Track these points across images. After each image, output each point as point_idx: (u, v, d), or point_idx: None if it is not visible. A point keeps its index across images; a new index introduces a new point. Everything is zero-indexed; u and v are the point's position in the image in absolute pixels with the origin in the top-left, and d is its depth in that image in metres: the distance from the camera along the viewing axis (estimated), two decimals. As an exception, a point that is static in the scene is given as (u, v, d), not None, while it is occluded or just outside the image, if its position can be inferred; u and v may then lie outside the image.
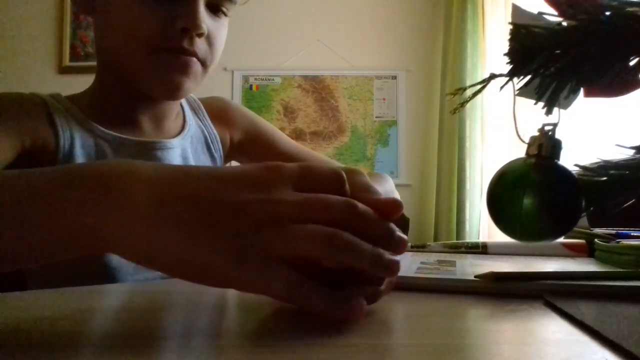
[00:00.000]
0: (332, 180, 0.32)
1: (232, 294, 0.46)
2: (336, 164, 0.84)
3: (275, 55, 2.96)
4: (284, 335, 0.29)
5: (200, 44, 0.64)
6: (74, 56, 2.96)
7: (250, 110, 0.86)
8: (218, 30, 0.67)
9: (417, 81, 2.95)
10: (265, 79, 2.98)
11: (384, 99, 2.95)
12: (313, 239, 0.28)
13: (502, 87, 0.44)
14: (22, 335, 0.29)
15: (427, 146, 2.88)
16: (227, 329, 0.31)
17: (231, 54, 2.96)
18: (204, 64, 0.66)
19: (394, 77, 2.96)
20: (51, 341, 0.27)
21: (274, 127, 0.86)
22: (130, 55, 0.63)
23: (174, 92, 0.65)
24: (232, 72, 2.95)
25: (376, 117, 2.94)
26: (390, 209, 0.32)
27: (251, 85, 2.97)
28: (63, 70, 2.93)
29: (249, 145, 0.83)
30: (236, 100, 2.89)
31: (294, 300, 0.29)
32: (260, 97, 2.95)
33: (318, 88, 2.97)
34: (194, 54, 0.64)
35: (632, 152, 0.47)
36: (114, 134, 0.66)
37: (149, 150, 0.68)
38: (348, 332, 0.29)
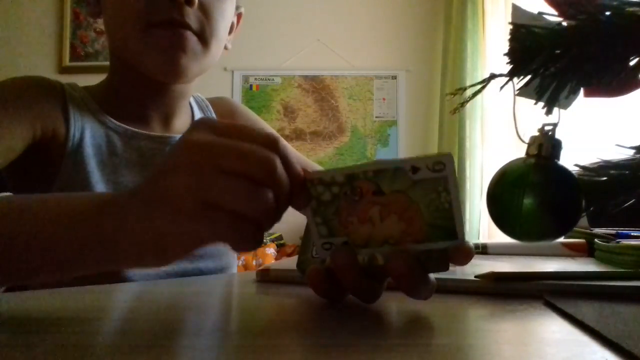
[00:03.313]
0: (262, 139, 0.31)
1: (233, 294, 0.46)
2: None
3: (275, 55, 2.96)
4: (284, 335, 0.29)
5: (192, 15, 0.61)
6: (74, 56, 2.96)
7: (255, 114, 0.86)
8: (215, 0, 0.64)
9: (417, 81, 2.95)
10: (265, 79, 2.98)
11: (384, 99, 2.95)
12: (229, 191, 0.29)
13: (502, 87, 0.44)
14: (24, 335, 0.29)
15: (427, 146, 2.88)
16: (227, 329, 0.31)
17: (231, 54, 2.95)
18: (202, 39, 0.63)
19: (394, 77, 2.96)
20: (53, 342, 0.27)
21: (277, 135, 0.86)
22: (126, 37, 0.63)
23: (172, 69, 0.63)
24: (232, 72, 2.95)
25: (376, 117, 2.94)
26: None
27: (251, 85, 2.97)
28: (63, 70, 2.93)
29: None
30: (236, 100, 2.89)
31: (229, 240, 0.30)
32: (260, 97, 2.95)
33: (318, 88, 2.97)
34: (187, 26, 0.61)
35: (632, 152, 0.47)
36: (126, 126, 0.66)
37: (160, 145, 0.68)
38: (347, 332, 0.29)
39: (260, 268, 0.48)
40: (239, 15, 0.76)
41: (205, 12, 0.63)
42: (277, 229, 2.72)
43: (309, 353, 0.25)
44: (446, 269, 0.33)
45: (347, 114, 2.95)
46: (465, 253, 0.33)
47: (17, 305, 0.37)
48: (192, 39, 0.62)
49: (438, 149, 2.73)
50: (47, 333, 0.29)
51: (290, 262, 0.55)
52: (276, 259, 2.50)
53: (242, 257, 2.45)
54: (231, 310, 0.38)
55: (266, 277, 0.47)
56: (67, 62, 2.95)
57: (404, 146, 2.90)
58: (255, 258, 2.46)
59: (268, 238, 2.62)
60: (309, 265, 0.35)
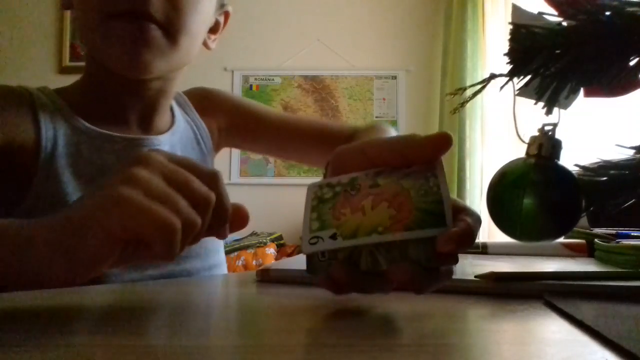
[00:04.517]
0: (204, 176, 0.36)
1: (233, 294, 0.46)
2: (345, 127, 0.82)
3: (275, 55, 2.96)
4: (284, 335, 0.29)
5: (158, 5, 0.57)
6: (74, 56, 2.96)
7: (232, 93, 0.84)
8: None
9: (417, 81, 2.95)
10: (265, 79, 2.98)
11: (384, 99, 2.95)
12: (156, 225, 0.32)
13: (502, 87, 0.44)
14: (12, 335, 0.28)
15: (427, 146, 2.87)
16: (227, 328, 0.31)
17: (231, 54, 2.96)
18: (168, 33, 0.59)
19: (394, 77, 2.96)
20: (41, 342, 0.27)
21: (259, 104, 0.84)
22: (88, 29, 0.60)
23: (133, 63, 0.58)
24: (232, 72, 2.95)
25: (376, 117, 2.94)
26: (441, 144, 0.35)
27: (251, 85, 2.97)
28: (63, 70, 2.93)
29: (236, 126, 0.81)
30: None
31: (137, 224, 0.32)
32: (260, 97, 2.95)
33: (318, 88, 2.97)
34: (150, 17, 0.57)
35: (632, 152, 0.47)
36: (100, 130, 0.63)
37: (136, 147, 0.65)
38: (348, 332, 0.29)
39: (260, 268, 0.48)
40: (225, 14, 0.73)
41: (174, 4, 0.59)
42: (277, 229, 2.72)
43: (309, 353, 0.25)
44: (455, 261, 0.33)
45: (347, 114, 2.95)
46: (449, 239, 0.31)
47: (9, 306, 0.37)
48: (155, 33, 0.58)
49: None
50: (35, 333, 0.29)
51: (290, 262, 0.55)
52: (276, 259, 2.50)
53: (242, 257, 2.45)
54: (231, 310, 0.38)
55: (266, 277, 0.47)
56: (67, 62, 2.95)
57: (404, 146, 2.90)
58: (256, 258, 2.46)
59: (268, 238, 2.62)
60: (317, 268, 0.34)
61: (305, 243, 0.35)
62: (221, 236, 0.38)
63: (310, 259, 0.35)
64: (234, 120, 0.81)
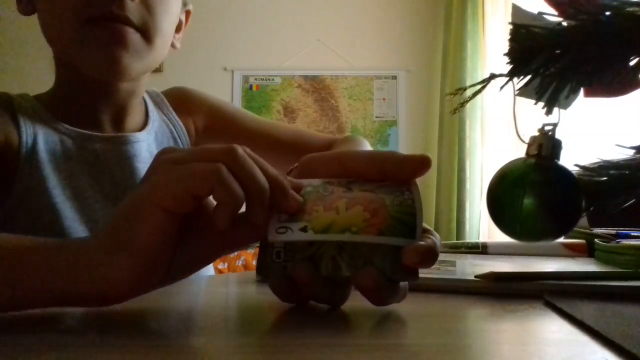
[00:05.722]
0: (221, 153, 0.31)
1: (233, 294, 0.46)
2: (310, 133, 0.83)
3: (275, 55, 2.96)
4: (284, 335, 0.29)
5: (134, 9, 0.58)
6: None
7: (212, 95, 0.84)
8: None
9: (417, 81, 2.95)
10: (265, 79, 2.98)
11: (384, 99, 2.95)
12: (198, 174, 0.30)
13: (502, 87, 0.44)
14: (4, 336, 0.29)
15: (427, 146, 2.88)
16: (227, 329, 0.31)
17: (231, 54, 2.96)
18: (144, 35, 0.60)
19: (394, 77, 2.96)
20: (35, 342, 0.27)
21: (238, 108, 0.85)
22: (62, 34, 0.60)
23: (112, 67, 0.59)
24: (232, 72, 2.95)
25: (376, 117, 2.94)
26: (420, 166, 0.34)
27: (251, 85, 2.97)
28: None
29: (212, 128, 0.81)
30: (236, 100, 2.89)
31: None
32: (260, 97, 2.95)
33: (318, 88, 2.97)
34: (128, 21, 0.58)
35: (632, 152, 0.47)
36: (79, 130, 0.65)
37: (115, 145, 0.66)
38: (348, 332, 0.29)
39: (260, 268, 0.48)
40: (187, 12, 0.74)
41: (148, 7, 0.60)
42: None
43: (309, 353, 0.25)
44: (415, 278, 0.33)
45: (347, 114, 2.95)
46: (417, 251, 0.31)
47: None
48: (133, 36, 0.59)
49: (438, 149, 2.73)
50: (29, 334, 0.29)
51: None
52: (276, 259, 2.49)
53: (242, 257, 2.46)
54: (231, 310, 0.38)
55: (266, 277, 0.47)
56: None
57: (404, 146, 2.90)
58: (255, 258, 2.46)
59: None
60: (270, 270, 0.33)
61: (271, 231, 0.32)
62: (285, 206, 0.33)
63: (263, 258, 0.33)
64: (210, 122, 0.81)
